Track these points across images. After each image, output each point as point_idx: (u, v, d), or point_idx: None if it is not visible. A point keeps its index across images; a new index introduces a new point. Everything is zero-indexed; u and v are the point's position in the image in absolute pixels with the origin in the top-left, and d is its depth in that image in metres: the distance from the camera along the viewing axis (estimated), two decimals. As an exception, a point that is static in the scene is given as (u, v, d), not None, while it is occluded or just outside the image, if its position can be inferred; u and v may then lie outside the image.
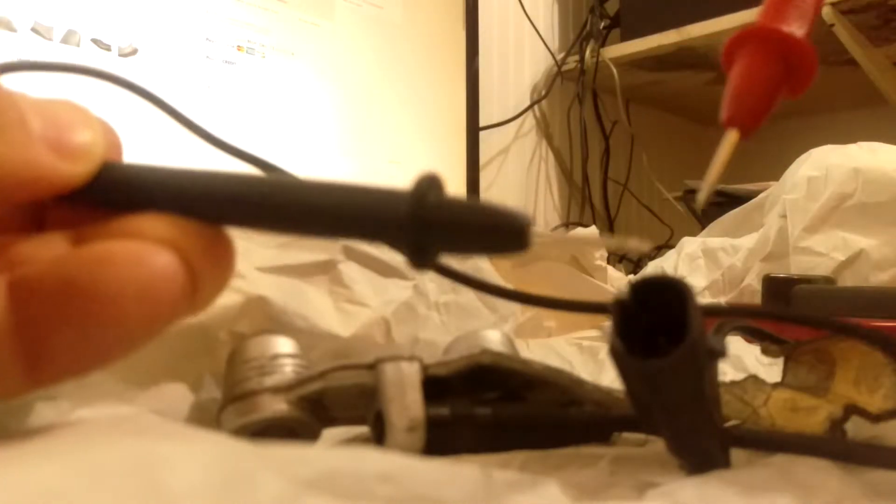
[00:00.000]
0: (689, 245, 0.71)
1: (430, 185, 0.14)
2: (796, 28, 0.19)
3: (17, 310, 0.13)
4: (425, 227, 0.14)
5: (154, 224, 0.14)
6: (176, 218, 0.14)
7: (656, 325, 0.17)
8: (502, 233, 0.14)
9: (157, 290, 0.13)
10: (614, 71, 1.09)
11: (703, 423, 0.19)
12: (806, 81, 0.19)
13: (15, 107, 0.13)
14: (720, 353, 0.18)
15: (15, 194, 0.14)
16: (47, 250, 0.14)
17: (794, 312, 0.25)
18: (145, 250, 0.14)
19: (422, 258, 0.15)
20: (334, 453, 0.13)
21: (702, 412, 0.18)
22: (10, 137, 0.13)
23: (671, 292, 0.18)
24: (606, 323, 0.18)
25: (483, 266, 0.44)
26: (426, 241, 0.14)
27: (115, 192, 0.15)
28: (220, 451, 0.12)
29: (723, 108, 0.19)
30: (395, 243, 0.15)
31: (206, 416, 0.24)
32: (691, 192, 0.73)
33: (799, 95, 0.19)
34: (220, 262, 0.15)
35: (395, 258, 0.42)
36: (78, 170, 0.14)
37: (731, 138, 0.18)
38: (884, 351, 0.23)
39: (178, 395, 0.24)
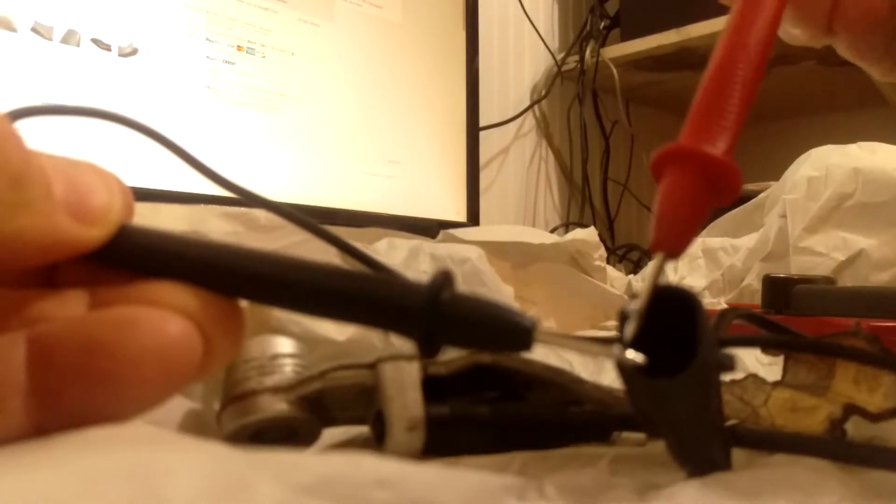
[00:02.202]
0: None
1: (444, 282, 0.15)
2: (720, 145, 0.19)
3: (35, 366, 0.14)
4: (438, 321, 0.15)
5: (174, 292, 0.15)
6: (194, 288, 0.15)
7: (663, 332, 0.17)
8: (508, 332, 0.15)
9: (175, 356, 0.14)
10: (614, 71, 1.09)
11: (707, 433, 0.19)
12: (731, 196, 0.19)
13: (43, 177, 0.14)
14: (729, 367, 0.18)
15: (35, 259, 0.15)
16: (65, 309, 0.15)
17: (799, 339, 0.25)
18: (166, 317, 0.14)
19: (430, 350, 0.15)
20: (331, 459, 0.13)
21: (708, 424, 0.18)
22: (38, 208, 0.14)
23: (680, 302, 0.17)
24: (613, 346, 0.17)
25: (483, 268, 0.44)
26: (437, 334, 0.15)
27: (128, 255, 0.16)
28: (217, 458, 0.12)
29: (650, 231, 0.19)
30: (406, 334, 0.16)
31: (200, 424, 0.24)
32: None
33: (726, 206, 0.20)
34: (232, 332, 0.16)
35: (393, 262, 0.42)
36: (95, 233, 0.15)
37: (658, 262, 0.18)
38: (882, 368, 0.23)
39: (173, 402, 0.24)
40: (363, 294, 0.15)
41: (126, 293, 0.15)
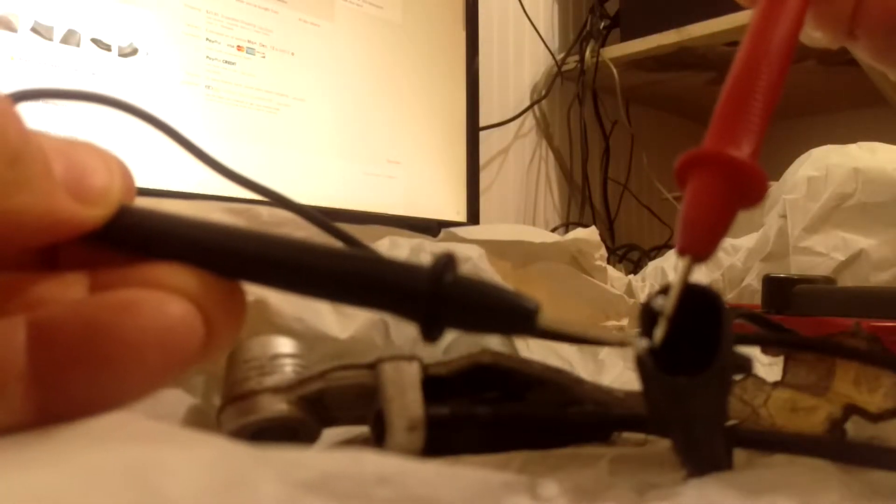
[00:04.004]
0: (689, 245, 0.71)
1: (446, 264, 0.15)
2: (745, 147, 0.19)
3: (35, 350, 0.14)
4: (440, 304, 0.15)
5: (175, 274, 0.15)
6: (195, 270, 0.15)
7: (679, 327, 0.17)
8: (511, 316, 0.15)
9: (175, 339, 0.14)
10: (614, 71, 1.09)
11: (716, 432, 0.19)
12: (757, 198, 0.19)
13: (41, 155, 0.14)
14: (747, 369, 0.18)
15: (34, 238, 0.14)
16: (66, 292, 0.15)
17: (799, 339, 0.25)
18: (167, 300, 0.14)
19: (433, 332, 0.15)
20: (332, 456, 0.13)
21: (718, 423, 0.18)
22: (36, 187, 0.14)
23: (701, 300, 0.17)
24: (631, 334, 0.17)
25: (483, 266, 0.44)
26: (439, 317, 0.15)
27: (129, 236, 0.16)
28: (217, 454, 0.12)
29: (676, 234, 0.19)
30: (408, 316, 0.15)
31: (202, 419, 0.24)
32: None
33: (753, 207, 0.20)
34: (234, 315, 0.16)
35: (395, 258, 0.42)
36: (95, 213, 0.15)
37: (685, 265, 0.18)
38: (883, 368, 0.23)
39: (175, 398, 0.24)
40: (365, 275, 0.15)
41: (126, 275, 0.15)
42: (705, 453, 0.19)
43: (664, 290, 0.18)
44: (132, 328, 0.13)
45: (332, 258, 0.15)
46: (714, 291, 0.18)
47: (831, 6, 0.26)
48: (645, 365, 0.17)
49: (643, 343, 0.17)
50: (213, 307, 0.15)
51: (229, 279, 0.16)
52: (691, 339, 0.17)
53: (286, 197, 0.26)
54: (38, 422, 0.13)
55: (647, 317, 0.18)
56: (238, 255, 0.16)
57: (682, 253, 0.18)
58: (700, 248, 0.18)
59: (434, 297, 0.15)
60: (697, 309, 0.17)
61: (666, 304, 0.17)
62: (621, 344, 0.17)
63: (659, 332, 0.17)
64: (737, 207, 0.19)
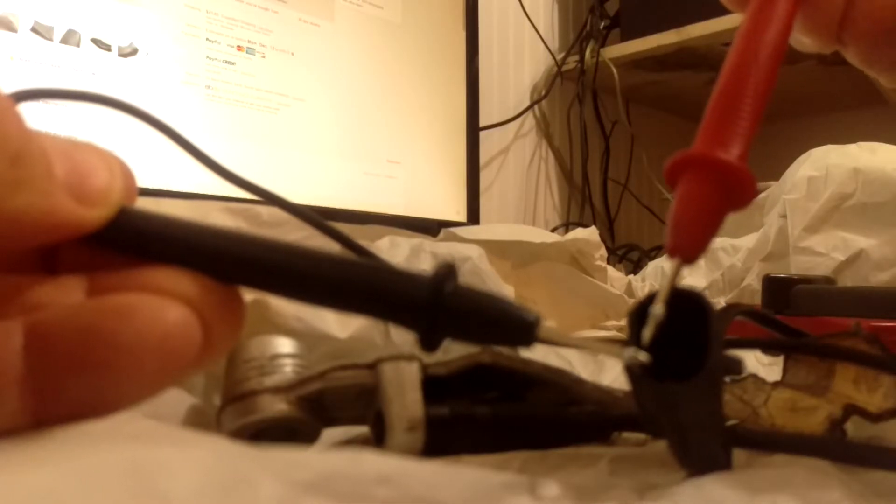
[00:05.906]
0: (689, 245, 0.71)
1: (447, 274, 0.15)
2: (734, 150, 0.19)
3: (32, 354, 0.14)
4: (440, 314, 0.15)
5: (173, 279, 0.15)
6: (194, 274, 0.15)
7: (668, 331, 0.17)
8: (511, 328, 0.15)
9: (173, 345, 0.14)
10: (614, 71, 1.09)
11: (711, 434, 0.19)
12: (746, 200, 0.19)
13: (44, 156, 0.14)
14: (737, 371, 0.18)
15: (34, 239, 0.14)
16: (63, 296, 0.15)
17: (799, 341, 0.25)
18: (165, 305, 0.14)
19: (432, 342, 0.15)
20: (332, 456, 0.13)
21: (712, 425, 0.18)
22: (37, 187, 0.13)
23: (689, 304, 0.17)
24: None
25: (484, 267, 0.44)
26: (439, 327, 0.15)
27: (129, 238, 0.15)
28: (217, 454, 0.12)
29: (666, 235, 0.19)
30: (407, 325, 0.15)
31: (202, 419, 0.24)
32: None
33: (741, 209, 0.20)
34: (233, 321, 0.16)
35: (394, 260, 0.42)
36: (95, 214, 0.15)
37: (674, 268, 0.18)
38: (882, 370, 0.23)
39: (175, 397, 0.24)
40: (365, 284, 0.15)
41: (125, 279, 0.15)
42: (700, 455, 0.19)
43: (653, 296, 0.18)
44: (129, 334, 0.13)
45: (332, 265, 0.15)
46: (701, 294, 0.18)
47: (819, 12, 0.26)
48: (633, 371, 0.17)
49: (631, 353, 0.17)
50: (211, 313, 0.15)
51: (228, 284, 0.16)
52: (683, 345, 0.17)
53: (283, 198, 0.26)
54: (35, 426, 0.13)
55: (636, 321, 0.18)
56: (237, 260, 0.15)
57: (671, 255, 0.18)
58: (689, 250, 0.19)
59: (433, 307, 0.15)
60: (688, 313, 0.17)
61: (654, 306, 0.17)
62: (615, 355, 0.17)
63: (647, 333, 0.17)
64: (726, 209, 0.19)
